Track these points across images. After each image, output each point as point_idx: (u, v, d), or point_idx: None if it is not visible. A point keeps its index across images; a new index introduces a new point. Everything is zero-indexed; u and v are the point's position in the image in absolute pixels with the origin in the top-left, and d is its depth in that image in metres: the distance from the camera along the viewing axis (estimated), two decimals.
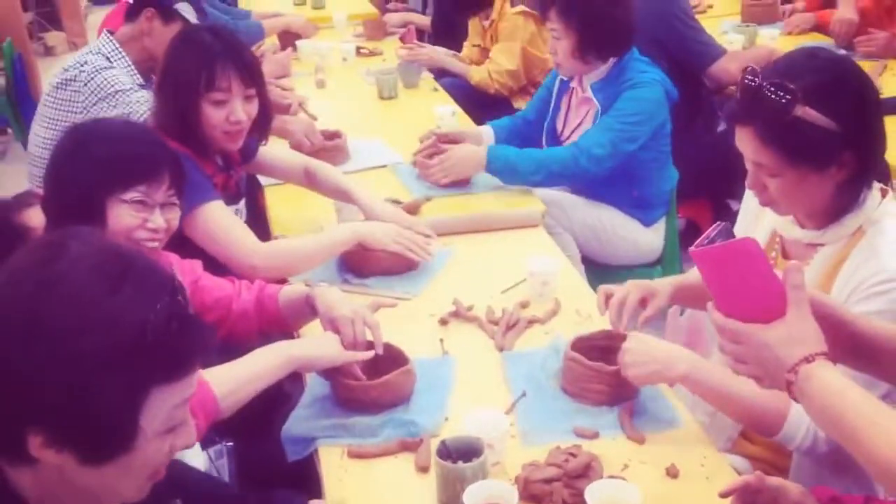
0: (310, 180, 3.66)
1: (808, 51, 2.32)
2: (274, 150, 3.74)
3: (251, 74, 3.17)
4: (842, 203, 2.28)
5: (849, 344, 1.88)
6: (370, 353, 2.55)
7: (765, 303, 1.77)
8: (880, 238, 2.23)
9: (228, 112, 3.12)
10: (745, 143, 2.27)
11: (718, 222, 1.87)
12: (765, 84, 2.17)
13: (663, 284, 2.74)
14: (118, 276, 1.50)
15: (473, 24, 5.98)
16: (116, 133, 2.59)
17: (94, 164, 2.45)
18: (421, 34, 7.12)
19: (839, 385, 1.70)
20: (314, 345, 2.56)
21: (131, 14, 4.17)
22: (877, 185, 2.31)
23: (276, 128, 4.12)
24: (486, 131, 4.43)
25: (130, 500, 1.60)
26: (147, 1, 4.17)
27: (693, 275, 2.87)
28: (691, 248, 1.80)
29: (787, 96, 2.14)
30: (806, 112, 2.14)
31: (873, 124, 2.24)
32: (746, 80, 2.21)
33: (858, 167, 2.22)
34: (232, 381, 2.35)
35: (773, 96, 2.16)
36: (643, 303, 2.69)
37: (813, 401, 1.72)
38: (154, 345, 1.47)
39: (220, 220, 3.05)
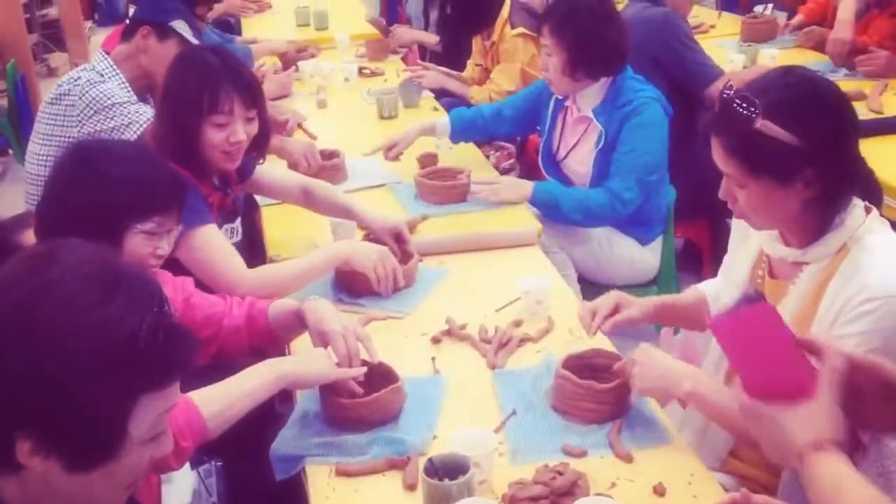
0: (307, 199, 3.66)
1: (785, 69, 2.36)
2: (271, 169, 3.74)
3: (252, 96, 3.18)
4: (816, 221, 2.30)
5: None
6: (363, 370, 2.54)
7: (787, 373, 1.71)
8: (864, 256, 2.24)
9: (229, 133, 3.12)
10: (715, 153, 2.32)
11: (746, 292, 1.85)
12: (734, 97, 2.21)
13: (643, 300, 2.78)
14: (110, 285, 1.53)
15: (476, 44, 5.99)
16: (134, 160, 2.56)
17: (116, 192, 2.44)
18: (424, 53, 7.13)
19: (842, 479, 1.64)
20: (305, 361, 2.55)
21: (127, 33, 4.17)
22: (860, 203, 2.32)
23: (274, 147, 4.14)
24: (442, 122, 4.53)
25: None
26: (143, 19, 4.18)
27: (680, 296, 2.93)
28: (708, 322, 1.79)
29: (750, 109, 2.18)
30: (765, 125, 2.18)
31: (842, 145, 2.25)
32: (723, 94, 2.27)
33: (824, 186, 2.23)
34: (220, 400, 2.35)
35: (738, 109, 2.20)
36: (616, 310, 2.72)
37: (813, 489, 1.66)
38: (144, 353, 1.51)
39: (211, 246, 3.04)
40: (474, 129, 4.56)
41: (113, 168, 2.48)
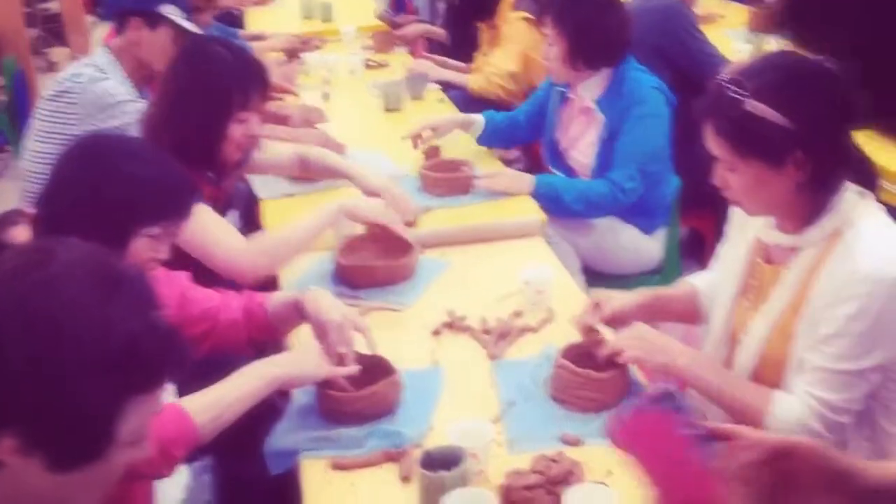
0: (303, 167, 3.71)
1: (780, 52, 2.38)
2: (263, 146, 3.74)
3: (266, 90, 3.21)
4: (809, 205, 2.30)
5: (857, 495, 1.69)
6: (355, 368, 2.52)
7: (687, 482, 1.61)
8: (856, 240, 2.24)
9: (247, 127, 3.15)
10: (707, 137, 2.34)
11: (659, 384, 1.84)
12: (725, 80, 2.23)
13: (631, 294, 2.79)
14: (111, 285, 1.52)
15: (483, 33, 5.96)
16: (151, 161, 2.48)
17: (132, 193, 2.35)
18: (431, 45, 7.11)
19: None
20: (295, 361, 2.52)
21: (119, 27, 4.14)
22: (854, 188, 2.31)
23: (290, 139, 4.14)
24: (478, 119, 4.48)
25: None
26: (130, 10, 4.12)
27: (671, 289, 2.96)
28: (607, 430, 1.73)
29: (740, 91, 2.20)
30: (754, 106, 2.19)
31: (833, 128, 2.25)
32: (718, 79, 2.28)
33: (815, 169, 2.22)
34: (211, 409, 2.31)
35: (728, 91, 2.22)
36: (598, 308, 2.73)
37: None
38: (141, 354, 1.49)
39: (205, 223, 3.00)
40: (502, 134, 4.55)
41: (130, 168, 2.39)
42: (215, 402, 2.33)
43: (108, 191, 2.33)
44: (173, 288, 2.64)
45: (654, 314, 2.73)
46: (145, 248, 2.38)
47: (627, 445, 1.68)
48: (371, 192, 3.49)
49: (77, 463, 1.50)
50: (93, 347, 1.45)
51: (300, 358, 2.54)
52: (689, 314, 2.86)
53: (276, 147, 3.76)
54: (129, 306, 1.51)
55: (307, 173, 3.71)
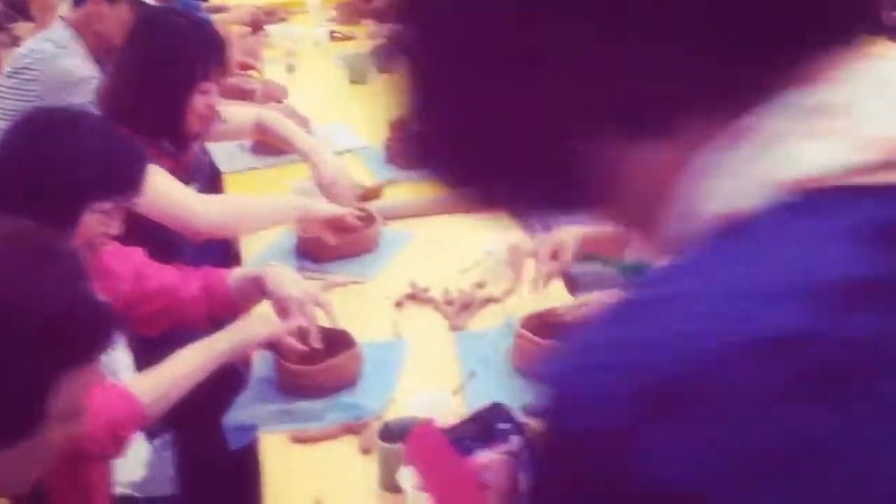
0: (261, 131, 3.68)
1: None
2: (223, 109, 3.69)
3: (224, 61, 3.21)
4: None
5: None
6: (299, 322, 2.48)
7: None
8: None
9: (209, 98, 3.14)
10: None
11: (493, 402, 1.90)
12: None
13: (571, 236, 2.81)
14: (41, 260, 1.50)
15: None
16: (102, 135, 2.43)
17: (83, 168, 2.30)
18: None
19: None
20: (243, 327, 2.50)
21: (77, 0, 4.09)
22: None
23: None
24: None
25: (16, 492, 1.58)
26: None
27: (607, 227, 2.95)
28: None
29: None
30: None
31: None
32: None
33: None
34: (158, 389, 2.26)
35: None
36: (554, 257, 2.75)
37: None
38: (71, 329, 1.47)
39: (160, 182, 2.91)
40: None
41: (79, 142, 2.35)
42: (160, 383, 2.28)
43: (56, 166, 2.29)
44: (127, 263, 2.60)
45: (592, 248, 2.85)
46: (96, 223, 2.33)
47: (411, 458, 1.76)
48: (320, 179, 3.42)
49: (8, 439, 1.47)
50: (23, 321, 1.43)
51: (247, 323, 2.52)
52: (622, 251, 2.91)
53: (234, 111, 3.68)
54: (60, 280, 1.49)
55: (264, 137, 3.68)
